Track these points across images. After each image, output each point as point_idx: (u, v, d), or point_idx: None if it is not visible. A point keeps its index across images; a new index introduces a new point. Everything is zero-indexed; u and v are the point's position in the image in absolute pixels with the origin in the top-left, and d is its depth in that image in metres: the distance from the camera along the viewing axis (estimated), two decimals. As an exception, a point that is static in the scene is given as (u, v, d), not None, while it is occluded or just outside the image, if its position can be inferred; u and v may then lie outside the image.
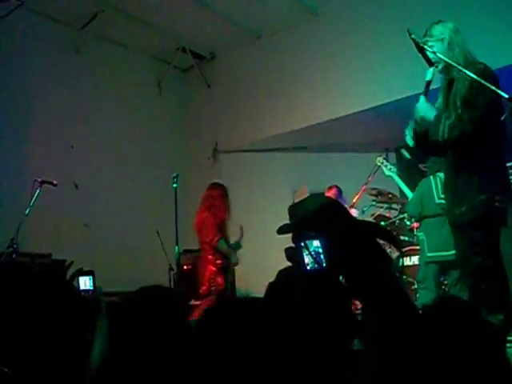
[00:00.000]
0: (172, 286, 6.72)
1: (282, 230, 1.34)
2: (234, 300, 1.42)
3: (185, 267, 6.87)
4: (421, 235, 5.57)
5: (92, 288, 2.90)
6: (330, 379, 1.38)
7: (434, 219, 5.19)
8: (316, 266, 1.30)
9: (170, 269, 6.78)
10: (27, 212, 5.69)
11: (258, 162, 8.32)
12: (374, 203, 7.20)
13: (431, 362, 1.21)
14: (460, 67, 3.37)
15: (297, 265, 1.39)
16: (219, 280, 5.91)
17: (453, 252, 4.71)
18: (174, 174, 6.32)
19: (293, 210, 1.40)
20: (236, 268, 6.74)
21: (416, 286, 5.64)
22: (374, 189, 7.11)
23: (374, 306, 1.16)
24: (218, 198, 6.18)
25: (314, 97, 7.54)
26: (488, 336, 1.28)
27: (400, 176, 6.48)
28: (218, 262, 5.97)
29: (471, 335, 1.26)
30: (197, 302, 6.59)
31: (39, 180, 5.86)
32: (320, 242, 1.27)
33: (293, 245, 1.38)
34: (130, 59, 8.39)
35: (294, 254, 1.37)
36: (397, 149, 8.53)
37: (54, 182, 5.91)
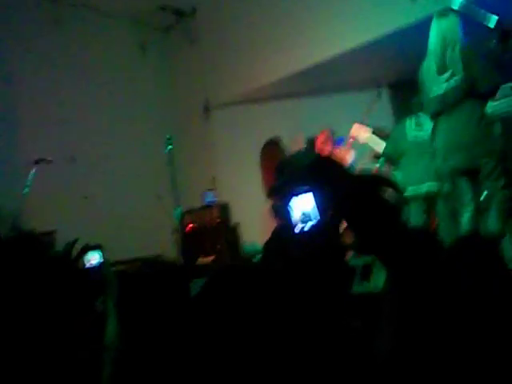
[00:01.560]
0: (177, 248, 6.74)
1: (271, 193, 1.34)
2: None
3: (189, 227, 6.90)
4: (397, 174, 5.51)
5: (100, 263, 2.92)
6: (334, 325, 1.37)
7: (407, 157, 5.19)
8: (303, 224, 1.28)
9: (174, 230, 6.79)
10: (25, 192, 5.68)
11: (251, 114, 8.23)
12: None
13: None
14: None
15: (285, 221, 1.37)
16: None
17: (427, 184, 4.82)
18: (168, 136, 6.28)
19: (281, 167, 1.37)
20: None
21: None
22: (379, 129, 7.02)
23: (389, 262, 1.14)
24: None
25: (300, 41, 7.40)
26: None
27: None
28: None
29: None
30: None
31: (34, 159, 5.83)
32: (313, 194, 1.24)
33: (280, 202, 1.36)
34: (111, 25, 8.23)
35: (282, 211, 1.36)
36: (390, 84, 8.41)
37: (49, 159, 5.88)
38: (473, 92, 3.94)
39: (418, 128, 5.20)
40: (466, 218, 4.19)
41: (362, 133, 5.99)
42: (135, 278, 1.83)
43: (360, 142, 6.02)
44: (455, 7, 3.46)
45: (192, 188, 7.51)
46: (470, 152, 3.98)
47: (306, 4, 7.30)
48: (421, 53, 7.25)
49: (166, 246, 6.83)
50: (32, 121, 6.94)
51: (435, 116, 4.28)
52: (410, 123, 5.32)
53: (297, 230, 1.34)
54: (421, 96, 4.58)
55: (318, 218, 1.27)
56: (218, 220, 6.80)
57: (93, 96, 7.69)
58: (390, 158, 5.51)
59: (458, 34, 4.05)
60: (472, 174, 4.08)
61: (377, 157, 6.57)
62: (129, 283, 1.75)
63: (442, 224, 4.93)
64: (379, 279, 4.21)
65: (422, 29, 6.39)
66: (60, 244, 5.85)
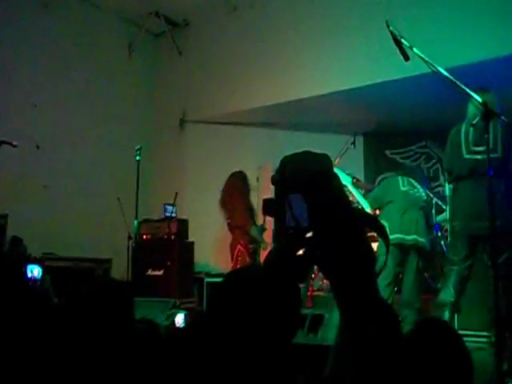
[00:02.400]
0: (130, 254, 6.67)
1: (273, 179, 1.30)
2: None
3: (144, 237, 6.85)
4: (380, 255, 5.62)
5: (40, 278, 2.85)
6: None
7: (396, 205, 5.32)
8: (295, 224, 1.26)
9: (129, 237, 6.72)
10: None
11: (225, 134, 8.25)
12: (349, 173, 7.18)
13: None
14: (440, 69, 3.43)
15: (274, 217, 1.33)
16: (247, 259, 6.31)
17: (413, 237, 4.98)
18: (137, 147, 6.29)
19: (284, 162, 1.31)
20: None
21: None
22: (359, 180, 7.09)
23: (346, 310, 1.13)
24: (242, 185, 6.55)
25: (286, 74, 7.47)
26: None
27: (355, 184, 6.44)
28: (250, 246, 6.42)
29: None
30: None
31: (-3, 140, 5.71)
32: (306, 201, 1.22)
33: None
34: (101, 19, 8.15)
35: (272, 207, 1.32)
36: (365, 133, 8.56)
37: (14, 143, 5.76)
38: (501, 169, 4.28)
39: (410, 187, 5.42)
40: (454, 278, 4.54)
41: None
42: (79, 294, 1.80)
43: None
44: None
45: (154, 198, 7.46)
46: (487, 221, 4.17)
47: (297, 42, 7.40)
48: (398, 108, 7.49)
49: (119, 250, 6.75)
50: (3, 102, 6.80)
51: (458, 179, 4.58)
52: (401, 181, 5.49)
53: (287, 230, 1.30)
54: (447, 153, 4.76)
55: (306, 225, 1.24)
56: (174, 235, 6.75)
57: (71, 86, 7.57)
58: (377, 201, 5.66)
59: (497, 109, 4.22)
60: (477, 242, 4.46)
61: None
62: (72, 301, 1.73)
63: (408, 277, 5.11)
64: (328, 332, 4.24)
65: (402, 86, 6.61)
66: (11, 229, 5.78)
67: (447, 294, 4.57)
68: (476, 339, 4.82)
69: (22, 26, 7.08)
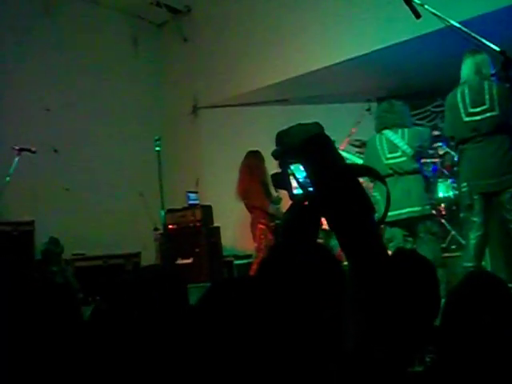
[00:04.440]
0: (157, 245, 6.72)
1: (273, 154, 1.39)
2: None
3: (170, 227, 6.88)
4: (377, 195, 5.52)
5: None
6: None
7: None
8: (301, 190, 1.32)
9: (155, 229, 6.76)
10: (7, 180, 5.63)
11: (239, 116, 8.22)
12: (357, 154, 7.16)
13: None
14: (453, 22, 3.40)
15: (284, 189, 1.42)
16: (269, 236, 6.33)
17: (408, 210, 4.86)
18: (156, 137, 6.26)
19: (280, 136, 1.42)
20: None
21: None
22: (358, 140, 7.06)
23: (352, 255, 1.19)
24: (258, 164, 6.49)
25: (294, 49, 7.41)
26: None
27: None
28: (272, 224, 6.45)
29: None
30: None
31: (17, 148, 5.79)
32: (304, 169, 1.28)
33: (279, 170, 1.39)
34: (103, 17, 8.13)
35: (280, 179, 1.40)
36: (379, 98, 8.47)
37: (33, 149, 5.85)
38: (503, 126, 4.39)
39: (392, 151, 5.02)
40: (472, 241, 4.58)
41: None
42: (132, 284, 1.80)
43: None
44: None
45: (176, 188, 7.47)
46: (495, 178, 4.42)
47: (301, 15, 7.31)
48: (410, 70, 7.39)
49: (146, 244, 6.79)
50: (17, 109, 6.83)
51: (462, 142, 4.64)
52: (381, 144, 5.10)
53: (295, 197, 1.38)
54: (446, 119, 4.86)
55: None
56: (199, 222, 6.77)
57: (81, 88, 7.58)
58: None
59: (491, 69, 4.46)
60: (489, 199, 4.51)
61: (355, 145, 6.67)
62: (125, 290, 1.72)
63: (424, 247, 4.98)
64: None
65: (413, 46, 6.52)
66: (39, 234, 5.85)
67: (468, 259, 4.62)
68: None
69: (24, 31, 7.08)
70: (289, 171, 1.35)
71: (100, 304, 1.70)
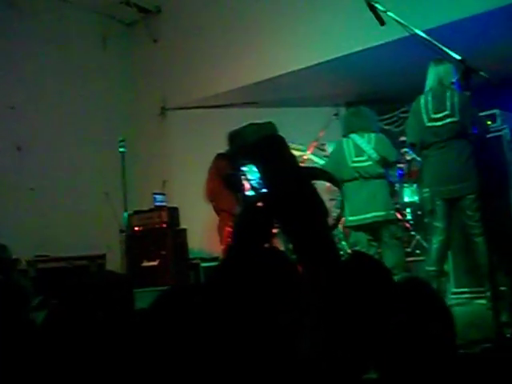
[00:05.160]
0: (123, 247, 6.65)
1: (226, 154, 1.35)
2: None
3: (135, 229, 6.82)
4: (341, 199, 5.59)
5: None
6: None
7: (351, 183, 5.01)
8: (254, 191, 1.31)
9: (121, 231, 6.70)
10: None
11: (208, 119, 8.19)
12: (324, 158, 7.20)
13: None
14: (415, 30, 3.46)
15: (236, 190, 1.40)
16: None
17: (373, 214, 4.92)
18: (120, 139, 6.23)
19: (232, 136, 1.37)
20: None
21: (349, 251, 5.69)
22: (324, 144, 7.11)
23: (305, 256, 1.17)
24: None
25: (264, 52, 7.42)
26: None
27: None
28: None
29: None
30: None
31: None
32: (258, 170, 1.25)
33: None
34: (72, 14, 8.01)
35: (232, 181, 1.38)
36: (347, 103, 8.52)
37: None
38: (463, 133, 4.55)
39: (358, 155, 5.06)
40: (434, 245, 4.71)
41: (293, 151, 6.11)
42: (78, 288, 1.78)
43: None
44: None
45: (142, 189, 7.42)
46: (456, 184, 4.55)
47: (271, 18, 7.33)
48: (378, 75, 7.46)
49: (111, 245, 6.73)
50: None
51: (423, 147, 4.78)
52: (348, 148, 5.14)
53: (247, 198, 1.35)
54: (409, 125, 5.00)
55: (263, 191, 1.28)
56: (166, 224, 6.73)
57: (47, 85, 7.47)
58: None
59: (453, 78, 4.65)
60: (451, 205, 4.64)
61: (322, 149, 6.69)
62: (72, 294, 1.70)
63: (388, 252, 5.04)
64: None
65: (381, 53, 6.58)
66: (1, 234, 5.74)
67: (431, 264, 4.73)
68: (473, 295, 4.93)
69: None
70: (241, 172, 1.33)
71: (53, 308, 1.69)
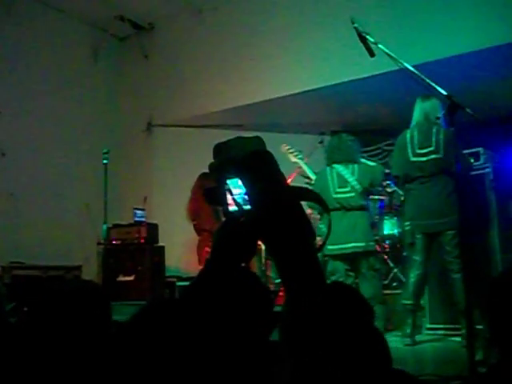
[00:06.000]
0: (100, 260, 6.59)
1: (210, 167, 1.30)
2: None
3: (113, 242, 6.77)
4: (323, 227, 5.63)
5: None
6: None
7: (332, 213, 4.95)
8: (237, 207, 1.25)
9: (98, 243, 6.64)
10: None
11: (193, 137, 8.20)
12: (307, 185, 7.22)
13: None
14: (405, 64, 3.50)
15: (218, 205, 1.34)
16: None
17: (352, 245, 4.95)
18: (105, 150, 6.22)
19: (218, 148, 1.33)
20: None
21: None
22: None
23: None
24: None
25: (252, 76, 7.49)
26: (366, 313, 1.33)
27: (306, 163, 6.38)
28: None
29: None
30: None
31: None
32: (244, 184, 1.21)
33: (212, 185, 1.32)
34: (66, 24, 8.02)
35: (215, 194, 1.31)
36: (332, 132, 8.59)
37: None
38: (447, 169, 4.56)
39: (341, 185, 5.12)
40: (412, 279, 4.72)
41: (290, 155, 6.15)
42: (55, 295, 1.76)
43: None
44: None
45: (124, 203, 7.39)
46: (437, 219, 4.58)
47: (263, 42, 7.41)
48: (365, 107, 7.55)
49: (88, 257, 6.67)
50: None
51: (407, 180, 4.85)
52: (331, 178, 5.19)
53: (230, 213, 1.29)
54: (394, 158, 5.08)
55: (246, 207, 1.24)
56: (144, 239, 6.69)
57: (35, 93, 7.42)
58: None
59: (439, 114, 4.70)
60: (431, 239, 4.69)
61: (305, 176, 6.69)
62: (48, 301, 1.68)
63: (365, 283, 5.05)
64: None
65: (369, 84, 6.66)
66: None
67: (407, 297, 4.76)
68: (448, 332, 4.94)
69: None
70: (225, 186, 1.28)
71: (24, 315, 1.67)
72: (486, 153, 5.12)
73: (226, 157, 1.29)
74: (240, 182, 1.27)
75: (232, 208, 1.33)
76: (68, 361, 1.50)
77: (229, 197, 1.33)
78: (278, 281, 6.22)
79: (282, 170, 1.32)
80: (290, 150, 6.20)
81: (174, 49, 8.38)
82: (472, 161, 5.05)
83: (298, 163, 6.22)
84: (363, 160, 5.58)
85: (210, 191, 1.33)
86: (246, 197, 1.25)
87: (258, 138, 1.31)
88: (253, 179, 1.22)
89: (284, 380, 1.20)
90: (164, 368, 1.17)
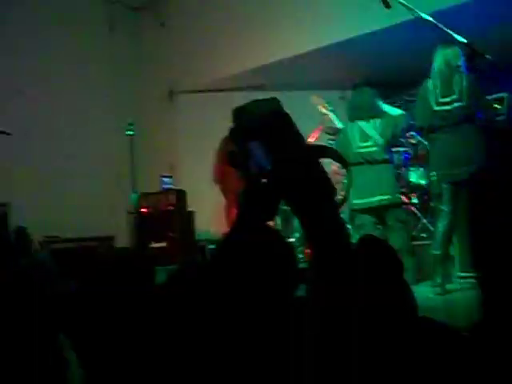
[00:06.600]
0: (131, 229, 6.72)
1: (230, 133, 1.31)
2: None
3: (144, 210, 6.87)
4: (346, 182, 5.60)
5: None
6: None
7: (356, 167, 5.03)
8: (259, 168, 1.28)
9: (129, 213, 6.76)
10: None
11: (216, 102, 8.18)
12: (331, 142, 7.20)
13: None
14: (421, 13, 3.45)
15: (241, 168, 1.35)
16: None
17: (378, 198, 4.96)
18: (129, 121, 6.25)
19: (237, 113, 1.33)
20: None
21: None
22: (331, 127, 7.10)
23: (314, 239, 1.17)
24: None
25: (272, 34, 7.43)
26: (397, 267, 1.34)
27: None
28: None
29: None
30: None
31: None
32: (264, 146, 1.24)
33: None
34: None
35: (238, 158, 1.34)
36: (354, 85, 8.49)
37: (8, 132, 5.76)
38: (471, 117, 4.58)
39: (364, 140, 5.16)
40: (440, 229, 4.76)
41: (320, 106, 6.18)
42: (103, 265, 1.83)
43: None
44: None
45: (150, 172, 7.46)
46: (462, 167, 4.52)
47: (279, 1, 7.32)
48: (386, 58, 7.44)
49: (119, 227, 6.79)
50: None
51: (431, 130, 4.84)
52: (352, 133, 5.26)
53: (251, 177, 1.32)
54: (417, 108, 5.04)
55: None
56: (173, 206, 6.78)
57: (54, 70, 7.49)
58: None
59: (461, 62, 4.62)
60: (457, 188, 4.64)
61: (329, 133, 6.70)
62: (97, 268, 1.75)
63: (393, 235, 5.08)
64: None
65: (388, 35, 6.56)
66: (14, 217, 5.81)
67: (436, 247, 4.80)
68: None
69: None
70: (245, 149, 1.30)
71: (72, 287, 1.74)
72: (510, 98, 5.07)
73: (244, 120, 1.30)
74: (260, 144, 1.29)
75: (253, 170, 1.35)
76: (127, 325, 1.55)
77: (250, 159, 1.35)
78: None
79: (303, 128, 1.35)
80: (321, 101, 6.25)
81: (190, 14, 8.31)
82: (497, 107, 5.00)
83: (327, 114, 6.26)
84: (387, 107, 5.55)
85: (233, 154, 1.34)
86: (267, 157, 1.27)
87: (274, 99, 1.32)
88: (271, 139, 1.24)
89: (312, 333, 1.23)
90: (199, 326, 1.22)
